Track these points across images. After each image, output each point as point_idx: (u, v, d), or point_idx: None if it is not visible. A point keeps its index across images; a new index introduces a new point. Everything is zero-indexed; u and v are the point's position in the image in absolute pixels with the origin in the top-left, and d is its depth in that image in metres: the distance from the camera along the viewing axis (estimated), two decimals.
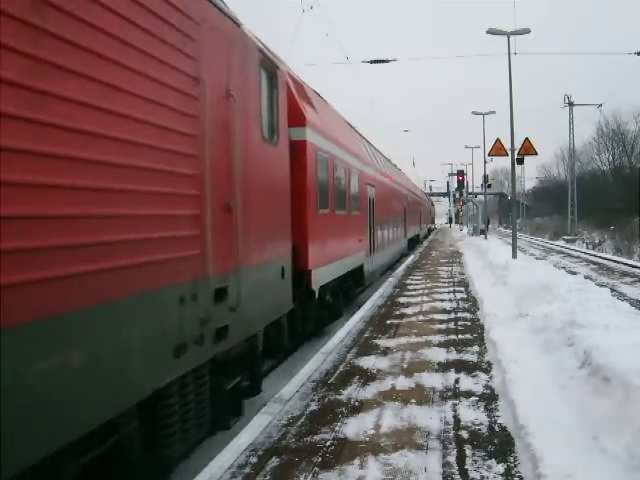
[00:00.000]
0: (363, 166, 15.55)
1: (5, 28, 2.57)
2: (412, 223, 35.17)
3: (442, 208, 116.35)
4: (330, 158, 10.90)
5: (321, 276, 9.72)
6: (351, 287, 13.86)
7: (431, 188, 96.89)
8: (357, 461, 4.69)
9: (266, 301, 6.43)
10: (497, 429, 5.30)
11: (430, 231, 64.11)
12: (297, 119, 8.69)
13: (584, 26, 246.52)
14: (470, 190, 54.81)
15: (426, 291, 15.26)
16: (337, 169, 11.63)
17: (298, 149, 8.68)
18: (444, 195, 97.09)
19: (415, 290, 15.61)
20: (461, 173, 47.53)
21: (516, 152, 19.00)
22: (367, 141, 20.08)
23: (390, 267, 23.39)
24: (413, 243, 35.95)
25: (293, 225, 7.86)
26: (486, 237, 36.35)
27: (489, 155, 22.93)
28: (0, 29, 2.54)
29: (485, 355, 8.09)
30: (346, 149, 12.85)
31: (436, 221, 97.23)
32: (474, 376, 7.06)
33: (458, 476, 4.37)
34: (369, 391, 6.58)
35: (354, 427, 5.45)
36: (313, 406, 6.14)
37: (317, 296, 9.46)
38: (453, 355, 8.16)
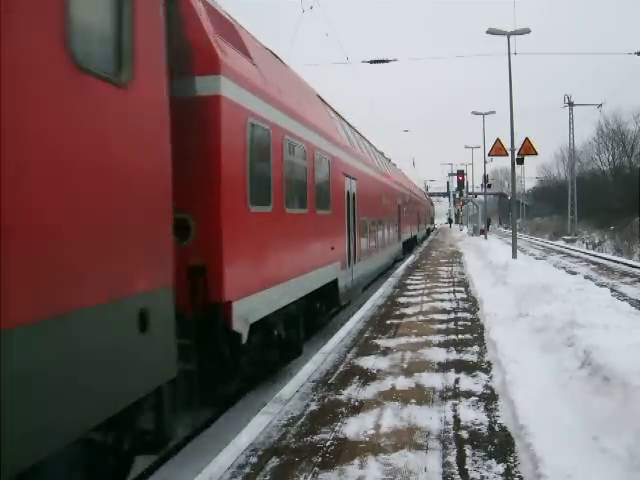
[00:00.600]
0: (339, 152, 12.26)
1: None
2: (408, 224, 32.03)
3: (442, 208, 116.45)
4: (275, 132, 7.54)
5: (256, 307, 6.69)
6: (319, 311, 10.80)
7: (427, 188, 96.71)
8: (357, 461, 4.69)
9: (81, 387, 3.26)
10: (497, 429, 5.30)
11: (429, 232, 63.23)
12: (205, 62, 5.77)
13: (584, 26, 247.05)
14: (470, 190, 54.83)
15: (426, 291, 15.26)
16: (290, 150, 8.30)
17: (204, 109, 5.74)
18: (444, 195, 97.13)
19: (415, 290, 15.60)
20: (461, 173, 47.54)
21: (516, 152, 19.02)
22: (350, 126, 16.61)
23: (381, 274, 20.62)
24: (409, 246, 33.25)
25: (199, 232, 5.54)
26: (486, 237, 36.38)
27: (489, 155, 22.96)
28: None
29: (485, 355, 8.09)
30: (309, 126, 9.54)
31: (436, 221, 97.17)
32: (474, 376, 7.06)
33: (458, 476, 4.38)
34: (369, 391, 6.58)
35: (354, 427, 5.45)
36: (313, 406, 6.14)
37: (245, 339, 6.26)
38: (453, 355, 8.16)
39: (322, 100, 12.73)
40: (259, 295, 6.83)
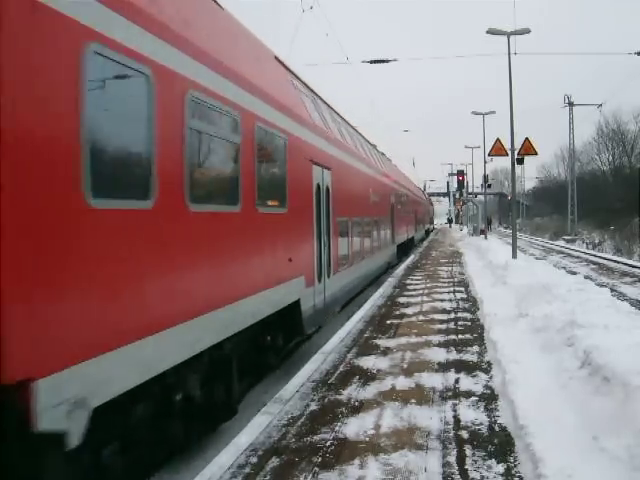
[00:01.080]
0: (304, 133, 9.46)
1: None
2: (404, 224, 29.21)
3: (442, 208, 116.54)
4: (164, 79, 4.82)
5: (113, 374, 4.04)
6: (271, 345, 8.20)
7: (425, 188, 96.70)
8: (357, 461, 4.70)
9: None
10: (497, 429, 5.30)
11: (428, 232, 62.04)
12: None
13: (584, 26, 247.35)
14: (470, 190, 54.84)
15: (426, 291, 15.26)
16: (203, 113, 5.62)
17: None
18: (444, 195, 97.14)
19: (415, 290, 15.60)
20: (461, 173, 47.58)
21: (516, 152, 19.02)
22: (330, 107, 13.98)
23: (370, 284, 17.85)
24: (405, 248, 30.44)
25: None
26: (486, 237, 36.41)
27: (489, 155, 22.97)
28: None
29: (485, 355, 8.09)
30: (248, 87, 6.79)
31: (436, 221, 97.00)
32: (474, 376, 7.06)
33: (458, 476, 4.38)
34: (369, 391, 6.58)
35: (354, 427, 5.45)
36: (313, 406, 6.14)
37: (79, 439, 3.63)
38: (453, 355, 8.16)
39: (284, 66, 9.84)
40: (122, 352, 4.09)
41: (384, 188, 21.21)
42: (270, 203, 7.70)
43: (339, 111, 15.73)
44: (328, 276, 10.97)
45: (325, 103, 13.38)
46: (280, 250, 7.98)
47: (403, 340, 9.23)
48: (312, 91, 11.99)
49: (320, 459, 4.77)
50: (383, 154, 26.66)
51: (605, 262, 28.44)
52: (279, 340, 8.49)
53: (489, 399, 6.17)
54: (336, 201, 11.72)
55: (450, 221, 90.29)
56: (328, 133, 11.85)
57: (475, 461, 4.62)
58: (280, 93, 8.50)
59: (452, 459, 4.68)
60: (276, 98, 8.05)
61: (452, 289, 15.53)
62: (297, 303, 8.74)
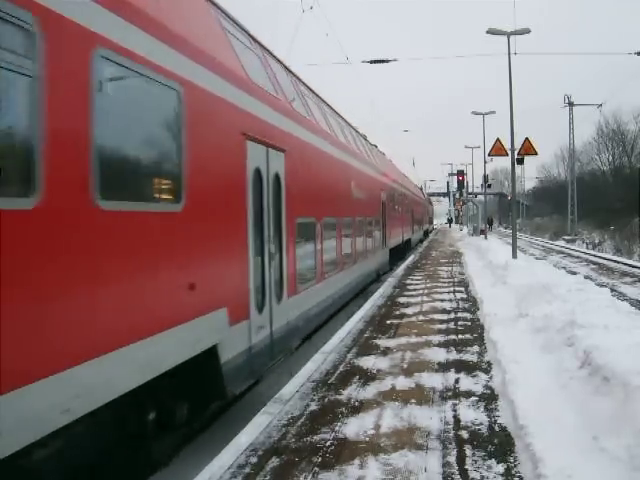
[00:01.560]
0: (224, 87, 6.26)
1: None
2: (398, 225, 26.53)
3: (442, 208, 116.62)
4: None
5: None
6: (157, 425, 5.24)
7: (422, 189, 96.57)
8: (357, 461, 4.69)
9: None
10: (497, 429, 5.29)
11: (427, 233, 60.12)
12: None
13: (584, 26, 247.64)
14: (470, 190, 54.85)
15: (426, 291, 15.26)
16: None
17: None
18: (444, 195, 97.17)
19: (415, 290, 15.60)
20: (461, 173, 47.58)
21: (516, 152, 19.03)
22: (294, 75, 11.01)
23: (353, 298, 14.95)
24: (401, 252, 27.69)
25: None
26: (486, 237, 36.42)
27: (489, 155, 22.95)
28: None
29: (485, 355, 8.09)
30: None
31: (436, 221, 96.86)
32: (474, 376, 7.06)
33: (458, 476, 4.37)
34: (369, 391, 6.58)
35: (354, 427, 5.44)
36: (313, 406, 6.14)
37: None
38: (453, 355, 8.16)
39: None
40: None
41: (373, 183, 18.28)
42: (139, 195, 4.75)
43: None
44: (278, 301, 7.92)
45: (284, 66, 10.23)
46: (167, 273, 4.94)
47: (403, 340, 9.22)
48: (262, 46, 8.91)
49: (320, 459, 4.77)
50: (375, 146, 23.69)
51: (605, 262, 28.44)
52: (179, 412, 5.46)
53: (489, 399, 6.16)
54: (294, 196, 8.65)
55: (450, 221, 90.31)
56: (282, 103, 8.75)
57: (475, 461, 4.62)
58: (178, 23, 5.46)
59: (452, 459, 4.67)
60: (162, 22, 5.06)
61: (452, 289, 15.53)
62: (212, 351, 5.72)
